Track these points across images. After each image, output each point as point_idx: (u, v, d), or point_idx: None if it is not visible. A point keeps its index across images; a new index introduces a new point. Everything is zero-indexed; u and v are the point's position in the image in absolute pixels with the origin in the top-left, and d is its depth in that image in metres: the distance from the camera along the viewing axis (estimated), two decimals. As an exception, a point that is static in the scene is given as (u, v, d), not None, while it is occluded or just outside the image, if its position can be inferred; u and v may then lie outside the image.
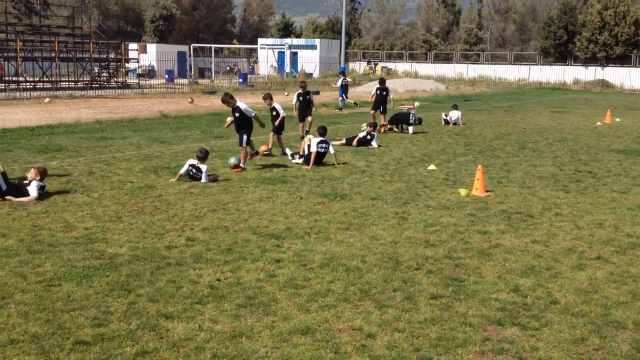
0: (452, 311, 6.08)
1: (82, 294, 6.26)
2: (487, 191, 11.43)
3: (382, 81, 21.12)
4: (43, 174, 10.63)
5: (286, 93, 39.48)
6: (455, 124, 23.07)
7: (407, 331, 5.61)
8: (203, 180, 11.71)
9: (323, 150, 13.69)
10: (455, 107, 23.88)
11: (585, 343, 5.48)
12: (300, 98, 18.18)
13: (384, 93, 20.63)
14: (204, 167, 11.81)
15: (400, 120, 20.75)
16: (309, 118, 18.21)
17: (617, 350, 5.35)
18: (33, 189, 10.20)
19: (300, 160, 14.14)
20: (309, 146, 13.85)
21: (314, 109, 18.61)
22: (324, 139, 13.74)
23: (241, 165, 13.10)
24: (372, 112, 21.05)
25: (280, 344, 5.32)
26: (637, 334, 5.67)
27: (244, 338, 5.40)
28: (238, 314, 5.89)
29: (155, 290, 6.39)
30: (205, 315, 5.85)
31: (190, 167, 11.80)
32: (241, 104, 13.12)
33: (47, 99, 30.25)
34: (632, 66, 57.62)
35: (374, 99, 21.00)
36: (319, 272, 7.05)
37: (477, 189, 11.35)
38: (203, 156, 11.92)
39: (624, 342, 5.51)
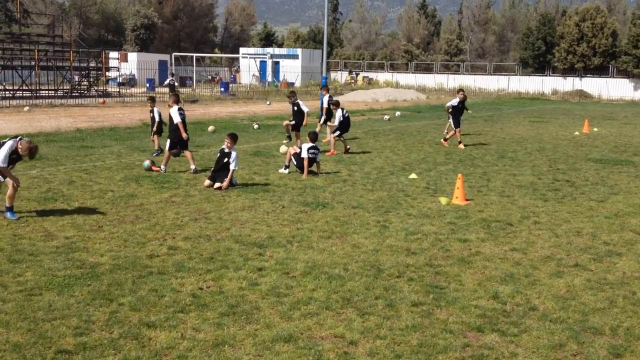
0: (432, 318, 6.15)
1: (63, 303, 6.24)
2: (467, 200, 11.56)
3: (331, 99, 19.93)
4: (32, 151, 9.75)
5: (268, 102, 39.55)
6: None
7: (389, 338, 5.67)
8: (232, 167, 11.97)
9: (313, 156, 13.77)
10: (461, 91, 21.39)
11: (563, 349, 5.58)
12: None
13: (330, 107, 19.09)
14: (233, 154, 12.05)
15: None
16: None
17: (595, 356, 5.45)
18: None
19: (287, 171, 14.08)
20: (295, 154, 13.92)
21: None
22: (314, 144, 13.81)
23: (161, 166, 13.76)
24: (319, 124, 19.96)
25: (263, 352, 5.35)
26: (614, 340, 5.78)
27: (226, 346, 5.42)
28: (221, 322, 5.90)
29: (137, 299, 6.38)
30: (187, 323, 5.86)
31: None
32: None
33: (26, 108, 29.97)
34: (610, 77, 58.47)
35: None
36: (301, 280, 7.09)
37: (457, 197, 11.47)
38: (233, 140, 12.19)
39: (601, 347, 5.62)
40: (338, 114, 17.54)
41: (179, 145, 13.85)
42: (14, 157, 9.69)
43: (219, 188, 11.86)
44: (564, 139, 22.77)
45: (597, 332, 5.94)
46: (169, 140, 13.78)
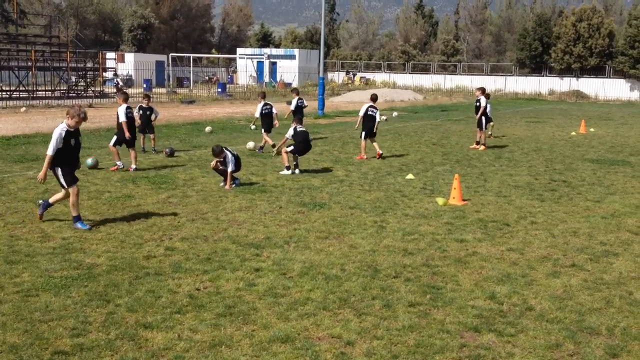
0: (429, 318, 6.16)
1: (60, 304, 6.23)
2: (464, 200, 11.57)
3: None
4: (76, 112, 9.25)
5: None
6: (488, 119, 20.26)
7: (386, 338, 5.67)
8: (230, 168, 12.10)
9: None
10: (482, 92, 20.63)
11: (560, 349, 5.59)
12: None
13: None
14: (229, 156, 12.16)
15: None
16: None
17: (591, 356, 5.46)
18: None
19: (289, 172, 13.96)
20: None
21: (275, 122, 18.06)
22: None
23: (117, 163, 14.02)
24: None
25: (260, 352, 5.35)
26: (611, 340, 5.79)
27: (223, 347, 5.42)
28: (218, 323, 5.90)
29: (134, 300, 6.38)
30: (184, 324, 5.86)
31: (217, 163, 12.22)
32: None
33: (23, 109, 29.94)
34: (606, 77, 58.62)
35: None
36: (298, 281, 7.09)
37: (454, 198, 11.48)
38: (219, 150, 12.20)
39: (597, 347, 5.63)
40: (294, 101, 18.47)
41: (124, 142, 14.11)
42: (72, 141, 9.09)
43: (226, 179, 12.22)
44: (560, 140, 22.81)
45: (594, 332, 5.95)
46: (115, 137, 14.24)
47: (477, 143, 19.67)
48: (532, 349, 5.55)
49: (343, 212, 10.53)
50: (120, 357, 5.18)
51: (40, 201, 9.61)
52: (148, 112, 16.90)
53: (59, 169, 9.12)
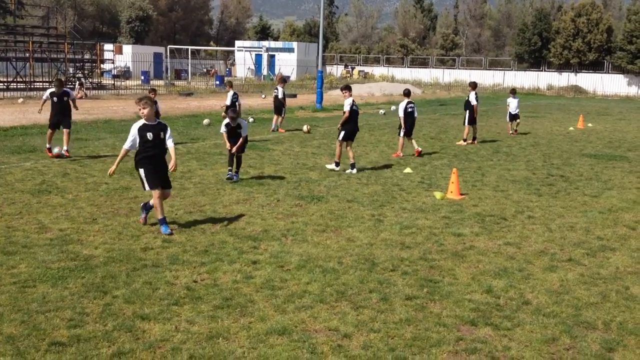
0: (426, 312, 6.17)
1: (57, 295, 6.23)
2: (461, 194, 11.58)
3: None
4: (143, 100, 8.47)
5: (263, 96, 39.46)
6: (515, 117, 22.13)
7: (383, 331, 5.68)
8: (244, 133, 12.02)
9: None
10: (513, 93, 22.65)
11: (556, 343, 5.60)
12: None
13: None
14: (243, 123, 12.12)
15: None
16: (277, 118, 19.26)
17: (587, 350, 5.47)
18: None
19: (338, 168, 13.72)
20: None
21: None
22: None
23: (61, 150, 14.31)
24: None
25: (257, 344, 5.36)
26: (607, 334, 5.80)
27: (220, 339, 5.43)
28: (215, 315, 5.91)
29: (131, 292, 6.38)
30: (181, 316, 5.86)
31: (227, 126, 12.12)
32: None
33: (20, 100, 29.86)
34: (605, 72, 58.62)
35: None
36: (295, 274, 7.09)
37: (451, 192, 11.49)
38: (235, 115, 12.04)
39: (594, 342, 5.64)
40: (230, 94, 18.77)
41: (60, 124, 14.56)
42: (149, 136, 8.20)
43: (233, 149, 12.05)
44: (558, 134, 22.81)
45: (590, 326, 5.97)
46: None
47: (469, 139, 19.51)
48: (529, 343, 5.56)
49: (341, 205, 10.53)
50: (117, 349, 5.18)
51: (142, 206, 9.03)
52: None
53: (142, 170, 8.50)
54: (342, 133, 13.50)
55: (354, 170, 13.51)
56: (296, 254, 7.81)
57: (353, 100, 13.61)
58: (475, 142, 19.38)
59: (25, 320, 5.62)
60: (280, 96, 20.97)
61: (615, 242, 8.82)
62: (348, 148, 13.62)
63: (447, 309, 6.24)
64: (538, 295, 6.71)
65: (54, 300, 6.09)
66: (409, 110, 16.10)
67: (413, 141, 16.48)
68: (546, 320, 6.06)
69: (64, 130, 14.54)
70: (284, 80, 22.41)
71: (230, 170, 12.23)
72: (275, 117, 21.26)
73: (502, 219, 9.92)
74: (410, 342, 5.49)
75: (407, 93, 16.49)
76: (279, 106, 21.03)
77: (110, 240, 8.15)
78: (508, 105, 22.60)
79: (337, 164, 13.79)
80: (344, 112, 13.49)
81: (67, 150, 14.41)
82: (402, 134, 16.24)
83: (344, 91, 13.69)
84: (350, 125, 13.55)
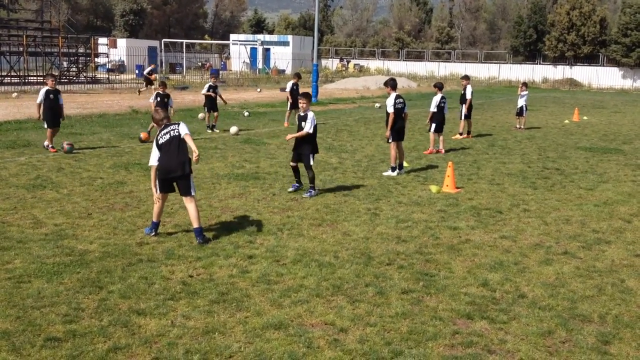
0: (422, 305, 6.17)
1: (52, 290, 6.21)
2: (457, 188, 11.58)
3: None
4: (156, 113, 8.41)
5: (259, 89, 39.37)
6: (521, 112, 21.84)
7: (379, 325, 5.68)
8: (307, 128, 10.41)
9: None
10: (525, 86, 22.21)
11: (552, 336, 5.61)
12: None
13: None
14: (309, 114, 10.49)
15: None
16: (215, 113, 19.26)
17: (583, 343, 5.48)
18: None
19: (395, 173, 12.68)
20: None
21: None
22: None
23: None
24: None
25: (253, 339, 5.35)
26: (603, 327, 5.82)
27: (217, 334, 5.42)
28: (211, 309, 5.90)
29: (127, 287, 6.36)
30: (177, 311, 5.85)
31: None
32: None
33: (15, 94, 29.73)
34: (600, 65, 58.68)
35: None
36: (291, 268, 7.09)
37: (447, 185, 11.49)
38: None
39: (589, 334, 5.65)
40: (205, 87, 19.24)
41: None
42: (163, 142, 7.88)
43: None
44: (553, 127, 22.84)
45: (586, 319, 5.98)
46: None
47: (465, 133, 19.44)
48: (525, 336, 5.57)
49: (336, 199, 10.52)
50: (113, 344, 5.17)
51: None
52: (166, 99, 17.16)
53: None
54: (391, 136, 12.49)
55: (399, 171, 12.75)
56: (292, 248, 7.81)
57: (397, 96, 12.49)
58: (470, 135, 19.37)
59: (21, 316, 5.60)
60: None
61: (611, 235, 8.84)
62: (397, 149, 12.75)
63: (443, 303, 6.24)
64: (534, 288, 6.72)
65: (49, 296, 6.07)
66: (442, 105, 15.69)
67: (441, 137, 16.13)
68: (542, 313, 6.07)
69: (55, 128, 14.47)
70: (298, 75, 21.98)
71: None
72: (288, 112, 20.99)
73: (497, 213, 9.93)
74: (406, 335, 5.49)
75: (440, 87, 15.84)
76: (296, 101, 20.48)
77: (105, 235, 8.13)
78: (522, 97, 21.88)
79: (393, 169, 12.76)
80: (388, 114, 12.42)
81: (52, 147, 14.30)
82: (432, 129, 15.86)
83: (387, 87, 12.55)
84: (398, 123, 12.55)
